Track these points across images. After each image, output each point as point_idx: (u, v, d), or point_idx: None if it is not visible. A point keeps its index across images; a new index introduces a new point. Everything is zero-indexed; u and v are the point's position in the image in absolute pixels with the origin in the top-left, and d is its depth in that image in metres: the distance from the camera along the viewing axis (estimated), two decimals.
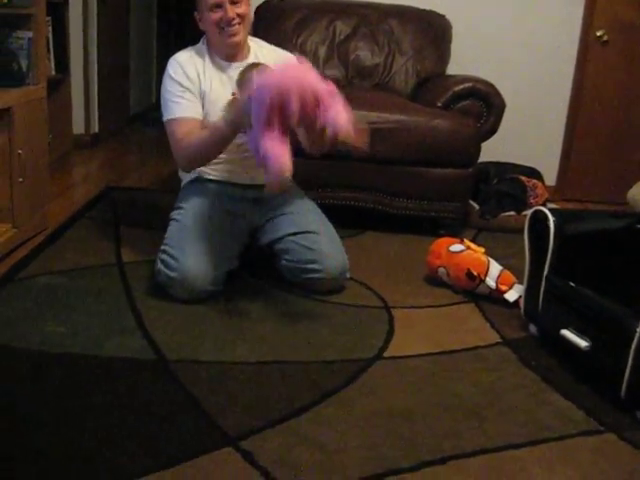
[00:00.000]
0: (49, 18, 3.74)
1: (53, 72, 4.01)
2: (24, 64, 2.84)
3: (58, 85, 4.16)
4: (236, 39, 2.44)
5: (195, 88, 2.44)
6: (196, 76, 2.45)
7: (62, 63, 4.16)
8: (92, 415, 1.69)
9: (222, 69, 2.50)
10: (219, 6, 2.38)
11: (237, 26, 2.42)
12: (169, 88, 2.45)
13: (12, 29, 2.83)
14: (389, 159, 3.12)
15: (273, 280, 2.57)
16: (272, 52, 2.62)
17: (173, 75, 2.45)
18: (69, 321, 2.16)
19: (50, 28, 3.88)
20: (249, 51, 2.56)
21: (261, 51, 2.60)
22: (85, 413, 1.70)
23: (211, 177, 2.55)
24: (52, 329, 2.10)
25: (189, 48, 2.56)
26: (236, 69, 2.47)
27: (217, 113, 2.35)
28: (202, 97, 2.45)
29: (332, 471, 1.55)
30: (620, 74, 4.22)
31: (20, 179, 2.71)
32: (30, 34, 2.85)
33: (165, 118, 2.45)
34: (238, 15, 2.41)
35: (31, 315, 2.19)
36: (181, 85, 2.43)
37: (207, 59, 2.51)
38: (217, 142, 2.27)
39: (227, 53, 2.49)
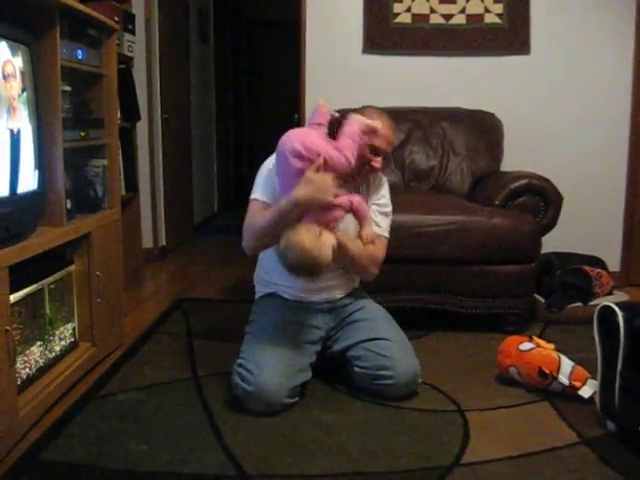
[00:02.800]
0: (119, 142, 3.97)
1: (123, 192, 4.22)
2: (100, 190, 3.01)
3: (128, 204, 4.37)
4: (366, 180, 2.62)
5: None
6: None
7: (131, 183, 4.37)
8: None
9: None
10: (376, 153, 2.49)
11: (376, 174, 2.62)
12: (263, 171, 2.54)
13: (88, 159, 3.02)
14: (451, 259, 3.17)
15: (346, 388, 2.60)
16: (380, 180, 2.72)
17: (271, 163, 2.51)
18: (150, 438, 2.22)
19: (120, 152, 4.11)
20: None
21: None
22: None
23: (287, 297, 2.63)
24: (135, 447, 2.16)
25: None
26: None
27: None
28: None
29: None
30: None
31: (98, 299, 2.84)
32: (105, 162, 3.04)
33: (253, 197, 2.53)
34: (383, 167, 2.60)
35: (113, 433, 2.26)
36: (273, 183, 2.47)
37: None
38: (281, 221, 2.34)
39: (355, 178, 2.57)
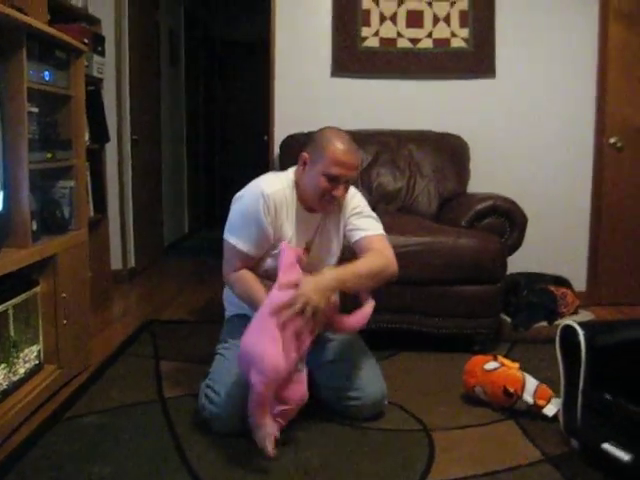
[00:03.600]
0: (87, 164, 3.96)
1: (92, 213, 4.20)
2: (67, 211, 3.00)
3: (96, 225, 4.35)
4: (329, 210, 2.55)
5: (271, 231, 2.45)
6: (276, 217, 2.44)
7: (100, 204, 4.36)
8: None
9: (304, 219, 2.53)
10: (334, 180, 2.40)
11: (338, 201, 2.50)
12: (246, 212, 2.45)
13: (55, 180, 3.01)
14: (418, 280, 3.20)
15: (313, 407, 2.59)
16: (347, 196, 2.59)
17: (255, 203, 2.41)
18: (115, 461, 2.20)
19: (88, 173, 4.10)
20: None
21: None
22: None
23: None
24: (99, 470, 2.14)
25: (278, 178, 2.52)
26: (311, 218, 2.54)
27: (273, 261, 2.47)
28: (275, 238, 2.47)
29: None
30: (638, 179, 4.32)
31: (64, 321, 2.82)
32: (72, 183, 3.03)
33: (228, 239, 2.49)
34: (344, 195, 2.49)
35: (78, 456, 2.24)
36: (258, 218, 2.41)
37: (291, 203, 2.49)
38: (251, 303, 2.41)
39: (313, 209, 2.53)
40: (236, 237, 2.47)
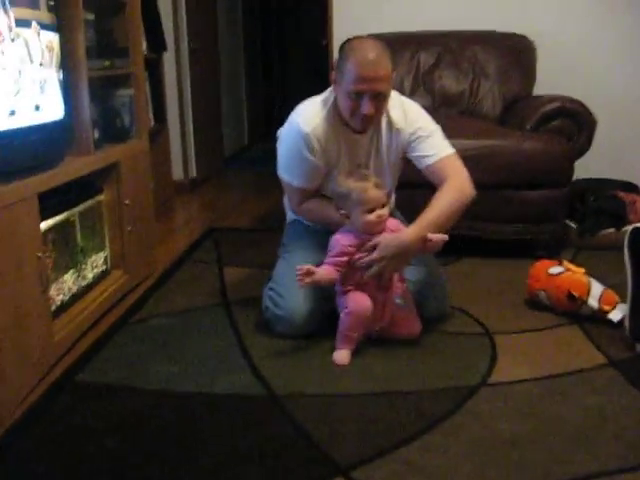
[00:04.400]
0: (146, 73, 3.95)
1: (152, 123, 4.22)
2: (127, 120, 3.01)
3: (157, 135, 4.37)
4: (368, 129, 2.38)
5: (320, 159, 2.38)
6: (322, 151, 2.37)
7: (160, 114, 4.37)
8: (206, 449, 1.78)
9: (350, 140, 2.41)
10: (359, 96, 2.23)
11: (373, 120, 2.32)
12: (294, 159, 2.41)
13: (115, 88, 3.01)
14: (482, 184, 3.09)
15: None
16: (400, 117, 2.42)
17: (296, 143, 2.36)
18: (181, 361, 2.27)
19: (148, 83, 4.09)
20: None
21: (389, 117, 2.41)
22: (199, 447, 1.79)
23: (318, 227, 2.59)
24: (166, 369, 2.22)
25: (316, 106, 2.40)
26: (361, 139, 2.42)
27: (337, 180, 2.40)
28: (325, 165, 2.41)
29: None
30: None
31: (129, 228, 2.88)
32: (131, 92, 3.03)
33: (283, 178, 2.49)
34: (377, 109, 2.27)
35: (146, 356, 2.32)
36: (304, 156, 2.36)
37: (335, 128, 2.37)
38: (338, 225, 2.35)
39: (355, 128, 2.38)
40: (289, 175, 2.46)
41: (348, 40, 2.31)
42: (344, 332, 2.26)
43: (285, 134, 2.45)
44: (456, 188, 2.36)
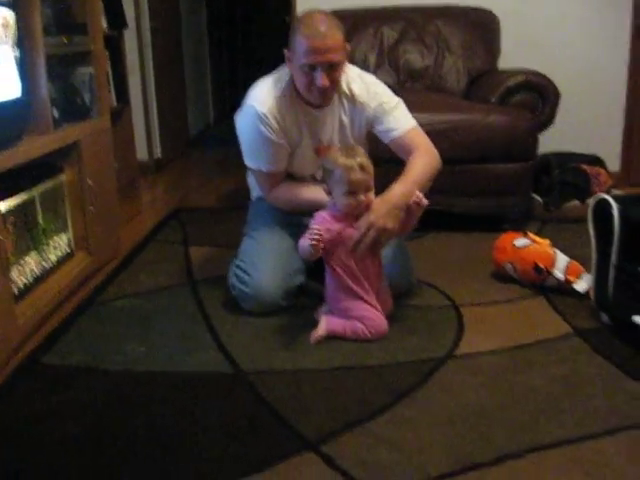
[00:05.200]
0: (106, 52, 3.88)
1: (114, 103, 4.15)
2: (87, 98, 2.96)
3: (120, 115, 4.31)
4: (326, 101, 2.36)
5: (281, 138, 2.37)
6: (282, 130, 2.36)
7: (122, 94, 4.30)
8: (176, 427, 1.76)
9: (310, 116, 2.39)
10: (312, 69, 2.22)
11: (329, 91, 2.29)
12: (255, 141, 2.39)
13: (74, 66, 2.95)
14: (447, 159, 3.09)
15: None
16: (362, 90, 2.41)
17: (255, 126, 2.34)
18: (148, 340, 2.25)
19: (109, 62, 4.02)
20: (337, 93, 2.39)
21: (350, 91, 2.40)
22: (165, 427, 1.77)
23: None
24: (132, 349, 2.19)
25: (269, 86, 2.38)
26: (321, 114, 2.40)
27: (301, 161, 2.44)
28: (288, 144, 2.40)
29: (412, 470, 1.57)
30: None
31: (91, 208, 2.83)
32: (91, 69, 2.97)
33: (250, 166, 2.47)
34: (332, 81, 2.25)
35: (111, 337, 2.29)
36: (266, 138, 2.35)
37: (293, 105, 2.36)
38: (312, 206, 2.31)
39: (313, 103, 2.37)
40: (255, 161, 2.44)
41: (298, 16, 2.29)
42: (345, 328, 2.22)
43: (243, 122, 2.42)
44: (428, 154, 2.40)
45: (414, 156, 2.36)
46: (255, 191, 2.72)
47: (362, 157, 2.16)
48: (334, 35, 2.21)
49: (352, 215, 2.19)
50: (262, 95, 2.36)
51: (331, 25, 2.22)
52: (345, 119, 2.43)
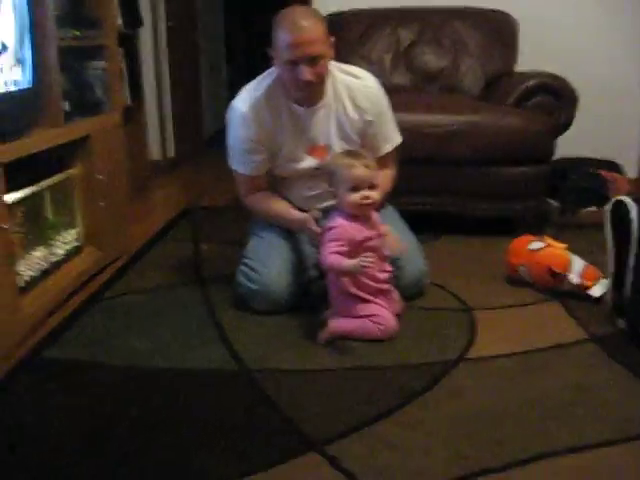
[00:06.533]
0: (121, 50, 3.86)
1: (129, 101, 4.13)
2: (100, 93, 2.94)
3: (134, 114, 4.29)
4: (314, 97, 2.31)
5: (266, 142, 2.34)
6: (262, 130, 2.33)
7: (136, 92, 4.28)
8: (180, 424, 1.73)
9: (296, 116, 2.35)
10: (295, 63, 2.17)
11: (315, 86, 2.24)
12: (235, 140, 2.38)
13: (87, 60, 2.94)
14: (462, 161, 3.09)
15: None
16: (352, 88, 2.37)
17: (239, 129, 2.34)
18: (154, 336, 2.22)
19: (123, 59, 4.00)
20: (325, 91, 2.34)
21: (338, 87, 2.36)
22: (173, 422, 1.74)
23: None
24: (138, 344, 2.16)
25: (253, 85, 2.38)
26: (311, 113, 2.34)
27: (291, 163, 2.39)
28: (274, 148, 2.37)
29: (418, 474, 1.53)
30: None
31: (101, 203, 2.80)
32: (104, 64, 2.95)
33: (231, 166, 2.45)
34: (317, 74, 2.20)
35: (118, 332, 2.27)
36: (245, 137, 2.34)
37: (276, 105, 2.33)
38: (282, 224, 2.39)
39: (301, 101, 2.33)
40: (235, 162, 2.42)
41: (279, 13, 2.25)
42: (354, 327, 2.17)
43: (228, 122, 2.41)
44: (390, 181, 2.48)
45: (387, 172, 2.46)
46: None
47: (366, 159, 2.15)
48: (313, 28, 2.16)
49: (362, 216, 2.16)
50: (244, 95, 2.37)
51: (310, 18, 2.19)
52: (346, 121, 2.38)
